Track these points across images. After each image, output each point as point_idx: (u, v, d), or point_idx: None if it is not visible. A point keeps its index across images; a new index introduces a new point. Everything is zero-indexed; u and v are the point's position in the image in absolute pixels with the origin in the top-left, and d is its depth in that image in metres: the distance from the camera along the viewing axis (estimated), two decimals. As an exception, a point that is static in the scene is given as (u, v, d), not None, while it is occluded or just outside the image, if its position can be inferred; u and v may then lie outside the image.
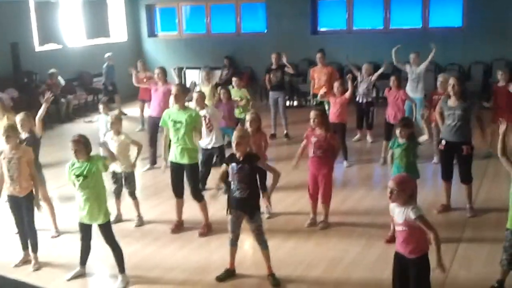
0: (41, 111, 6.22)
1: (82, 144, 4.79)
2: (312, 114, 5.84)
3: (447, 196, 6.24)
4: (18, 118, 6.11)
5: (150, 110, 8.44)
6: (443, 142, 6.10)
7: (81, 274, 5.16)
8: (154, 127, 8.24)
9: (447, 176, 6.20)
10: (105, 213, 4.94)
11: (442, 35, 11.97)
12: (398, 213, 3.85)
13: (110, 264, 5.10)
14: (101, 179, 4.92)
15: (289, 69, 9.65)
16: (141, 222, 6.37)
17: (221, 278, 4.99)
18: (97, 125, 8.24)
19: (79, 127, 11.63)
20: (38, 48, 12.46)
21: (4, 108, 6.86)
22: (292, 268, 5.12)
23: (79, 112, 12.63)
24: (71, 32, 13.28)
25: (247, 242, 5.35)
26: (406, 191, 3.80)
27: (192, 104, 6.87)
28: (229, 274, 5.03)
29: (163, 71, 8.34)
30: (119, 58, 13.82)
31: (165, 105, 8.15)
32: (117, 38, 14.53)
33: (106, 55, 12.10)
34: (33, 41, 12.33)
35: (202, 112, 6.63)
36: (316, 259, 5.29)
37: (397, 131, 5.42)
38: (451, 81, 5.99)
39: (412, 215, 3.75)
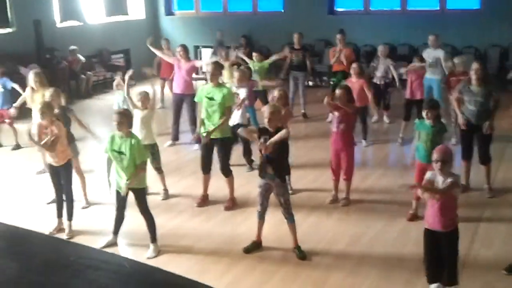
0: None
1: (126, 117, 5.02)
2: (338, 92, 5.98)
3: (466, 177, 6.37)
4: (48, 93, 6.32)
5: (174, 87, 8.58)
6: (463, 121, 6.18)
7: (113, 243, 5.36)
8: (178, 103, 8.40)
9: (467, 156, 6.33)
10: (140, 180, 5.13)
11: (459, 17, 12.00)
12: (442, 181, 4.04)
13: (141, 234, 5.31)
14: (137, 153, 5.09)
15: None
16: (167, 196, 6.58)
17: (248, 250, 5.20)
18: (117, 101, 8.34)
19: (99, 103, 11.84)
20: (59, 25, 12.56)
21: (43, 83, 7.05)
22: (316, 242, 5.33)
23: (98, 88, 12.81)
24: (91, 10, 13.36)
25: (273, 216, 5.53)
26: (450, 161, 4.08)
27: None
28: (256, 246, 5.24)
29: (185, 49, 8.46)
30: (136, 36, 13.95)
31: (189, 82, 8.31)
32: (135, 16, 14.61)
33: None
34: (55, 18, 12.43)
35: (237, 90, 6.82)
36: (339, 234, 5.49)
37: (423, 113, 5.50)
38: (475, 65, 6.05)
39: (448, 180, 3.99)
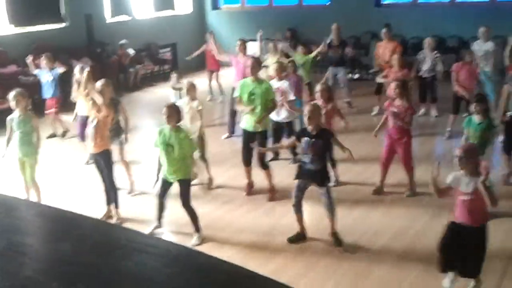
0: None
1: (175, 111, 5.16)
2: (393, 85, 6.01)
3: (509, 168, 6.35)
4: (99, 84, 6.50)
5: (234, 81, 8.61)
6: (508, 114, 6.17)
7: (157, 228, 5.46)
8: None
9: (509, 150, 6.27)
10: (187, 171, 5.23)
11: (511, 9, 11.65)
12: (466, 183, 4.00)
13: (186, 222, 5.40)
14: (186, 146, 5.22)
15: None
16: (211, 184, 6.66)
17: (291, 240, 5.24)
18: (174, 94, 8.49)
19: (146, 96, 12.09)
20: (109, 19, 12.90)
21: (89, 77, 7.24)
22: (359, 235, 5.32)
23: (146, 81, 13.07)
24: (140, 5, 13.67)
25: (315, 208, 5.55)
26: (473, 159, 4.01)
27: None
28: (300, 237, 5.27)
29: (244, 43, 8.51)
30: (183, 30, 14.19)
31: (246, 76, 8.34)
32: (182, 11, 14.84)
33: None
34: (105, 13, 12.77)
35: (278, 84, 6.78)
36: (383, 228, 5.46)
37: (472, 107, 5.45)
38: None
39: (481, 186, 3.92)
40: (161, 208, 5.48)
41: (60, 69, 8.74)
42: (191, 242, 5.28)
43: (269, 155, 7.21)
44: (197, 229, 5.37)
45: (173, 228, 5.67)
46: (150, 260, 3.32)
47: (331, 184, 6.18)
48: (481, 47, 8.66)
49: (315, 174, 4.98)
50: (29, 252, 3.36)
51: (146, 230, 5.43)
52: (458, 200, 4.11)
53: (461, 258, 4.14)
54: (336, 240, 5.10)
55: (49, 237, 3.67)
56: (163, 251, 3.50)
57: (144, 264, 3.17)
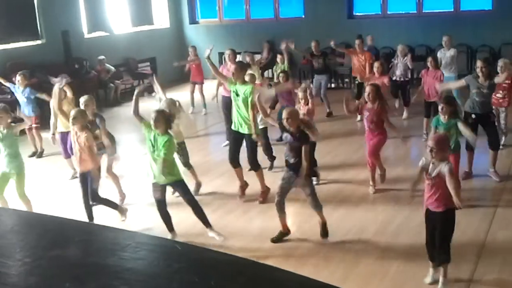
0: None
1: (163, 117, 5.17)
2: (368, 89, 6.31)
3: (470, 164, 6.82)
4: (82, 100, 6.61)
5: (223, 91, 8.66)
6: (473, 116, 6.66)
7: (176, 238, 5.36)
8: (227, 106, 8.30)
9: (472, 146, 6.68)
10: (176, 172, 5.31)
11: (473, 18, 12.37)
12: (432, 168, 4.33)
13: (188, 225, 5.58)
14: (170, 148, 5.29)
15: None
16: (198, 189, 6.76)
17: (274, 240, 5.48)
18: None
19: (127, 111, 12.18)
20: (87, 35, 13.04)
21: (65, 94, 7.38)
22: (345, 232, 5.64)
23: (126, 96, 13.19)
24: (117, 20, 13.85)
25: (302, 209, 5.83)
26: (444, 149, 4.34)
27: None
28: (283, 235, 5.50)
29: (234, 52, 8.78)
30: (162, 44, 14.40)
31: None
32: (160, 25, 15.09)
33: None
34: (82, 29, 12.91)
35: None
36: (366, 224, 5.80)
37: (439, 108, 5.75)
38: (479, 63, 6.57)
39: (445, 169, 4.24)
40: (166, 217, 5.41)
41: (34, 94, 8.67)
42: (216, 240, 5.37)
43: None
44: (208, 224, 5.42)
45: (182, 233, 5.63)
46: (157, 258, 3.55)
47: (314, 182, 6.34)
48: (445, 54, 9.24)
49: (294, 167, 5.27)
50: (36, 260, 3.49)
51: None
52: (426, 185, 4.43)
53: (433, 244, 4.47)
54: (323, 230, 5.40)
55: (53, 245, 3.80)
56: (169, 249, 3.73)
57: (151, 261, 3.39)
